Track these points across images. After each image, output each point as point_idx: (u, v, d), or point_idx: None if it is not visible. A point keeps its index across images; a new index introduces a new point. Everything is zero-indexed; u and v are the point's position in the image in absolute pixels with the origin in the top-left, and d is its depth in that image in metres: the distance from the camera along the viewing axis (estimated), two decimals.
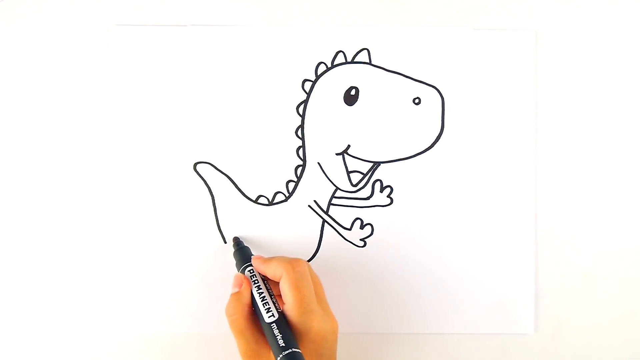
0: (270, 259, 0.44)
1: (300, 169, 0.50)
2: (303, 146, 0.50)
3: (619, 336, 0.51)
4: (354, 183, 0.50)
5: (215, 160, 0.50)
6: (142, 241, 0.49)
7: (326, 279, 0.48)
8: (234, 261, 0.48)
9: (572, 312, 0.51)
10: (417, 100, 0.50)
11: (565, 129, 0.51)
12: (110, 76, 0.49)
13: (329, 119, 0.50)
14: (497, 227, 0.50)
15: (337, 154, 0.50)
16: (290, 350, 0.39)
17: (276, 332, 0.40)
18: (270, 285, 0.44)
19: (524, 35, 0.50)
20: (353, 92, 0.50)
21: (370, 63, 0.50)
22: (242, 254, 0.47)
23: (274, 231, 0.50)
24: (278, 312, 0.42)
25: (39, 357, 0.50)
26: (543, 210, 0.50)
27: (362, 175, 0.50)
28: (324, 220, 0.50)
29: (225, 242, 0.50)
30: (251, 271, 0.45)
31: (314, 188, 0.50)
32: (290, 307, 0.41)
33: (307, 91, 0.50)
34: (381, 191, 0.50)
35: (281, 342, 0.39)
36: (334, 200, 0.50)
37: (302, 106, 0.50)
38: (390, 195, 0.50)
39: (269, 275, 0.44)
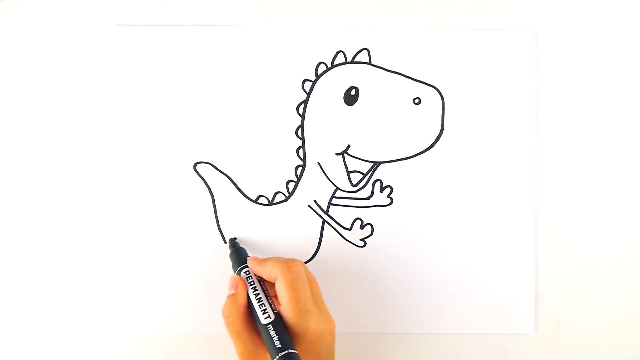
0: (265, 260, 0.44)
1: (300, 169, 0.50)
2: (303, 146, 0.50)
3: (619, 336, 0.51)
4: (354, 183, 0.50)
5: (215, 160, 0.50)
6: (142, 241, 0.49)
7: (326, 279, 0.48)
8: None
9: (572, 312, 0.51)
10: (417, 100, 0.50)
11: (565, 129, 0.51)
12: (110, 76, 0.49)
13: (329, 119, 0.50)
14: (497, 227, 0.50)
15: (337, 154, 0.50)
16: (286, 351, 0.39)
17: (272, 333, 0.40)
18: (266, 287, 0.44)
19: (524, 35, 0.50)
20: (353, 92, 0.50)
21: (370, 63, 0.50)
22: (238, 255, 0.47)
23: (274, 231, 0.50)
24: (274, 313, 0.42)
25: (39, 357, 0.50)
26: (543, 210, 0.50)
27: (362, 175, 0.50)
28: (324, 220, 0.50)
29: (225, 242, 0.50)
30: (247, 272, 0.45)
31: (314, 188, 0.50)
32: (286, 308, 0.41)
33: (307, 91, 0.50)
34: (381, 191, 0.50)
35: (277, 343, 0.39)
36: (334, 200, 0.50)
37: (302, 106, 0.50)
38: (390, 195, 0.50)
39: (265, 276, 0.43)
